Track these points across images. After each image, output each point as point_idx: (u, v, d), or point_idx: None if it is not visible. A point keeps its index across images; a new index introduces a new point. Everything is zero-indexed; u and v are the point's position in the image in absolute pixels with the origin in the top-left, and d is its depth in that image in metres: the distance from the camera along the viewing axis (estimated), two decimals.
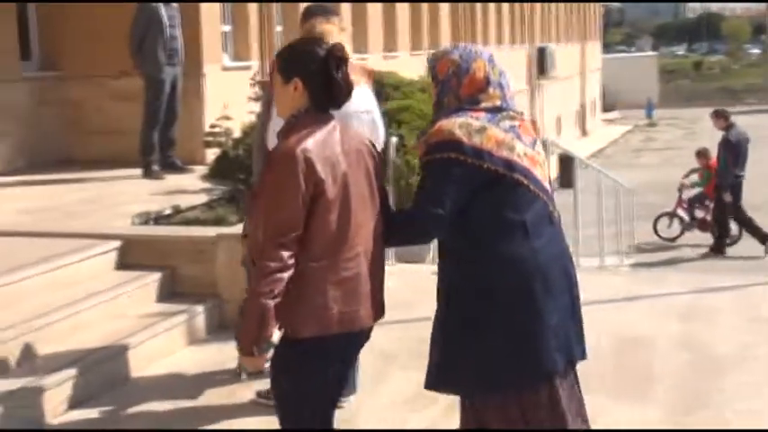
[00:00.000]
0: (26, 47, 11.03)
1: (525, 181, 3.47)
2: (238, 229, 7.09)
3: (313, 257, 3.40)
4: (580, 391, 3.71)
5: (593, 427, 3.86)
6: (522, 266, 3.43)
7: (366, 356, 6.11)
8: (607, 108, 48.00)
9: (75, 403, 5.22)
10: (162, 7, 9.61)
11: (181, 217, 7.94)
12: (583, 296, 3.72)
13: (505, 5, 29.02)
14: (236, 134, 9.32)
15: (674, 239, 16.85)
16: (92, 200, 8.47)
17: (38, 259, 6.25)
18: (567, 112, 35.43)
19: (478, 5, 25.89)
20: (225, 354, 6.21)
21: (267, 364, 3.60)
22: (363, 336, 3.62)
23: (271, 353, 3.47)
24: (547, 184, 3.58)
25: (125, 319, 6.12)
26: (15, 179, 9.75)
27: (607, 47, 63.00)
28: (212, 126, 9.35)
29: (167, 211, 7.97)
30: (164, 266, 6.82)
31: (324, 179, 3.36)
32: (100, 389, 5.43)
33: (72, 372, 5.27)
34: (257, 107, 9.93)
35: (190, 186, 9.02)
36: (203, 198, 8.57)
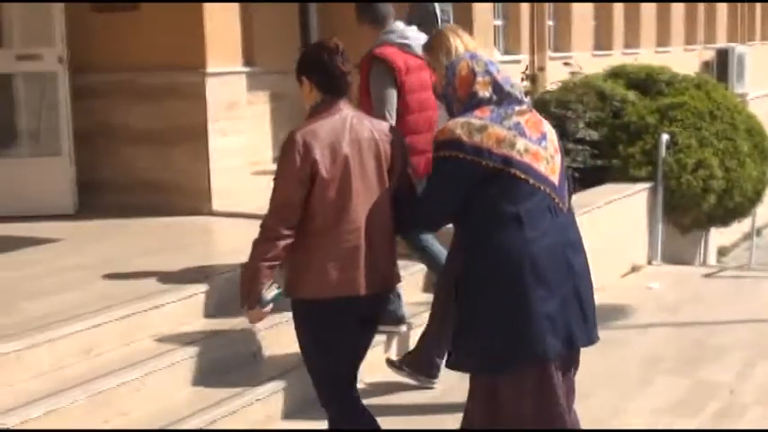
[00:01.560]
0: (307, 40, 11.47)
1: (524, 176, 3.63)
2: None
3: (315, 230, 3.78)
4: (573, 379, 3.83)
5: None
6: (514, 256, 3.60)
7: (631, 360, 6.04)
8: None
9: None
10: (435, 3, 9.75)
11: None
12: None
13: None
14: None
15: None
16: None
17: None
18: None
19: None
20: None
21: None
22: (365, 301, 3.85)
23: (269, 308, 3.84)
24: (554, 178, 3.71)
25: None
26: None
27: None
28: None
29: None
30: None
31: (319, 160, 3.72)
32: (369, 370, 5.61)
33: None
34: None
35: None
36: None
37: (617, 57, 15.47)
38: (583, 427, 3.86)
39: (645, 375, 5.77)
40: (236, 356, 5.25)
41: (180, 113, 7.67)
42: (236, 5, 7.88)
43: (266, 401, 4.97)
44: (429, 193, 3.76)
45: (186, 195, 7.72)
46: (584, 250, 3.82)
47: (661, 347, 6.31)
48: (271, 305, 3.86)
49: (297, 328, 3.96)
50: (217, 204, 7.70)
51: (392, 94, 5.44)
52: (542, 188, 3.66)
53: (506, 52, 12.80)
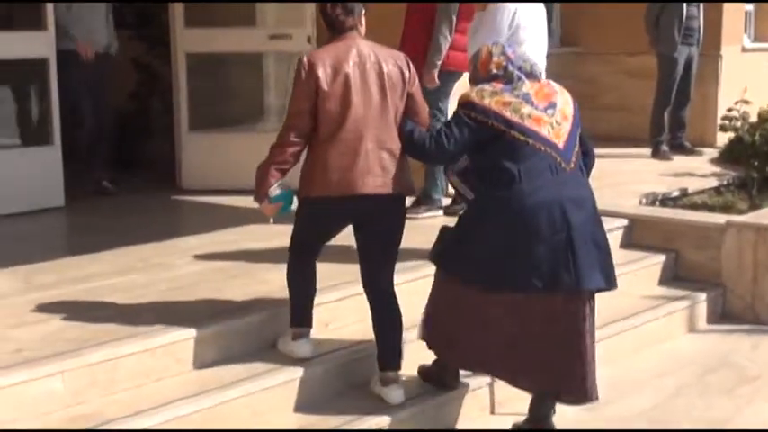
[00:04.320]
0: (550, 24, 11.34)
1: (523, 138, 4.34)
2: (749, 217, 6.88)
3: (320, 138, 4.47)
4: (573, 327, 4.43)
5: None
6: (508, 205, 4.33)
7: None
8: None
9: None
10: None
11: (687, 200, 7.81)
12: None
13: None
14: (753, 118, 8.97)
15: None
16: (599, 176, 8.51)
17: None
18: None
19: None
20: (725, 346, 6.08)
21: None
22: (368, 201, 4.47)
23: (278, 204, 4.57)
24: (558, 141, 4.40)
25: (627, 298, 6.14)
26: None
27: None
28: (729, 110, 9.07)
29: (674, 193, 7.88)
30: (668, 249, 6.80)
31: (321, 77, 4.42)
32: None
33: None
34: None
35: (698, 169, 8.84)
36: (712, 182, 8.36)
37: None
38: None
39: None
40: None
41: None
42: None
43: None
44: (441, 133, 4.45)
45: None
46: (591, 206, 4.47)
47: None
48: (281, 202, 4.57)
49: (296, 216, 4.69)
50: None
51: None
52: (543, 149, 4.36)
53: (756, 39, 12.24)
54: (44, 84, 7.39)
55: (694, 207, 7.55)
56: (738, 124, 8.86)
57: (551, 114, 4.44)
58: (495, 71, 4.54)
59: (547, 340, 4.44)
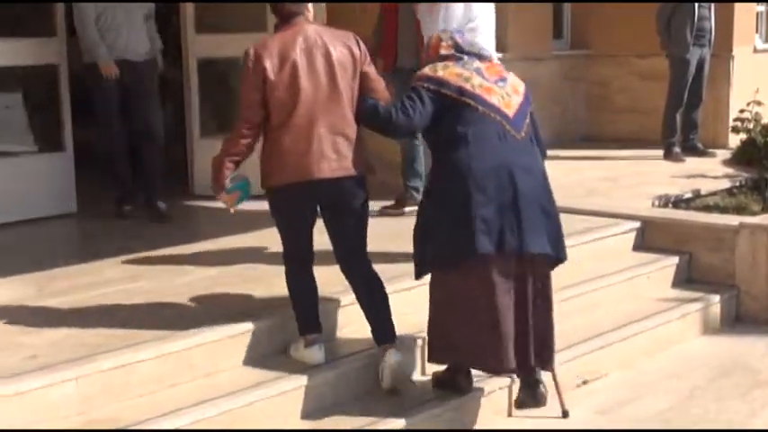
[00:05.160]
0: (558, 26, 11.35)
1: (473, 103, 4.57)
2: (762, 218, 6.86)
3: (273, 126, 4.52)
4: (535, 294, 4.61)
5: None
6: (458, 167, 4.51)
7: None
8: None
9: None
10: None
11: (700, 202, 7.78)
12: None
13: None
14: (765, 120, 8.95)
15: None
16: (612, 178, 8.55)
17: None
18: None
19: None
20: (739, 349, 6.06)
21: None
22: (325, 186, 4.53)
23: (236, 194, 4.62)
24: (508, 110, 4.62)
25: (640, 300, 6.15)
26: None
27: None
28: (741, 111, 9.04)
29: (687, 195, 7.85)
30: (681, 251, 6.77)
31: (266, 67, 4.46)
32: (611, 367, 5.55)
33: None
34: None
35: (710, 171, 8.81)
36: (725, 184, 8.32)
37: None
38: None
39: None
40: None
41: None
42: None
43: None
44: (402, 104, 4.58)
45: None
46: (540, 175, 4.64)
47: None
48: (239, 192, 4.63)
49: (271, 213, 4.71)
50: None
51: None
52: (493, 116, 4.59)
53: None
54: (56, 90, 7.41)
55: (707, 209, 7.51)
56: (751, 125, 8.84)
57: (502, 86, 4.69)
58: (444, 52, 4.80)
59: (510, 312, 4.53)
